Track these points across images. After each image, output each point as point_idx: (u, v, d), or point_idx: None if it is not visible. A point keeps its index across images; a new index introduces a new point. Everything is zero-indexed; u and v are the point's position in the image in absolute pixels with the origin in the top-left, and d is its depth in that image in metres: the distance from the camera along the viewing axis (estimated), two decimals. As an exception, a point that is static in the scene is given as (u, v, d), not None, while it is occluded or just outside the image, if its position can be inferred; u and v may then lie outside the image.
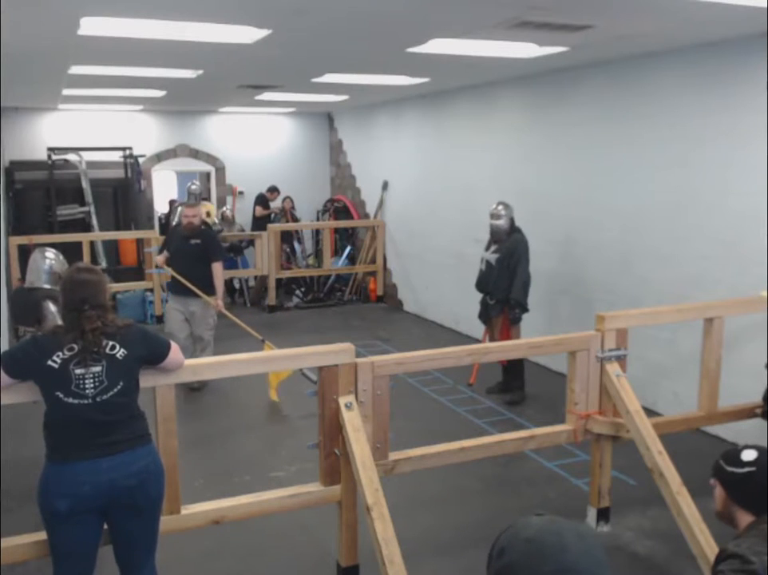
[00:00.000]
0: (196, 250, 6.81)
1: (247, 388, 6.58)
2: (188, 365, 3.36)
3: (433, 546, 4.13)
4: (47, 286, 4.93)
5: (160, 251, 7.22)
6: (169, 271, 6.86)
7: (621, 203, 6.44)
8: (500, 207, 6.43)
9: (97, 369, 2.87)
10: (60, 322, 4.78)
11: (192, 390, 6.65)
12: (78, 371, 2.85)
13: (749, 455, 2.41)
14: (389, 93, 9.18)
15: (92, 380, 2.86)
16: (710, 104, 5.54)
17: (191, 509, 3.47)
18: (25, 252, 9.24)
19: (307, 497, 3.68)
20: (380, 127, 10.85)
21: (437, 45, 5.43)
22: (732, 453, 2.47)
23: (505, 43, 5.40)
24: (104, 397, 2.88)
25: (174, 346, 3.19)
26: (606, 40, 5.31)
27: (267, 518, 3.91)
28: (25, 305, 4.93)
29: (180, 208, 8.28)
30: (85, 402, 2.85)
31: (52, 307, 4.81)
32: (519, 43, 5.42)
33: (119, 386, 2.91)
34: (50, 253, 5.13)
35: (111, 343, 2.92)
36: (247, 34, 4.94)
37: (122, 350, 2.93)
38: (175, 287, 6.93)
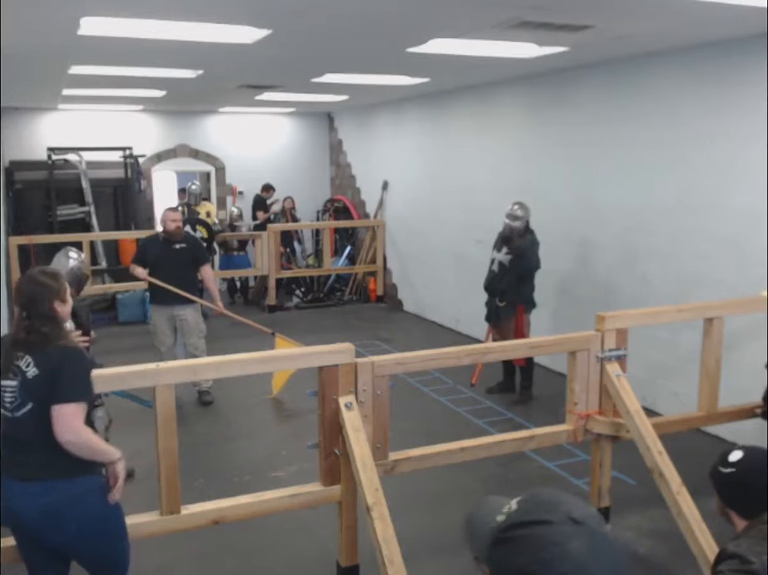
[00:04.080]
0: (183, 255, 6.51)
1: (247, 388, 6.57)
2: (188, 365, 3.35)
3: (433, 546, 4.13)
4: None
5: (136, 262, 6.61)
6: (156, 282, 6.40)
7: (621, 203, 6.44)
8: (517, 207, 6.38)
9: (14, 383, 2.71)
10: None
11: (204, 404, 6.50)
12: (3, 382, 2.73)
13: (734, 456, 2.37)
14: (389, 93, 9.18)
15: (9, 394, 2.71)
16: (710, 104, 5.54)
17: (191, 509, 3.47)
18: (25, 252, 9.27)
19: (307, 497, 3.67)
20: (380, 127, 10.85)
21: (437, 45, 5.43)
22: (724, 452, 2.43)
23: (505, 43, 5.40)
24: (17, 414, 2.71)
25: (75, 408, 2.69)
26: (606, 40, 5.31)
27: (267, 518, 3.91)
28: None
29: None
30: (8, 415, 2.72)
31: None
32: (519, 43, 5.42)
33: (28, 407, 2.69)
34: (74, 253, 5.12)
35: (29, 358, 2.71)
36: (247, 34, 4.94)
37: (35, 369, 2.69)
38: (160, 297, 6.47)
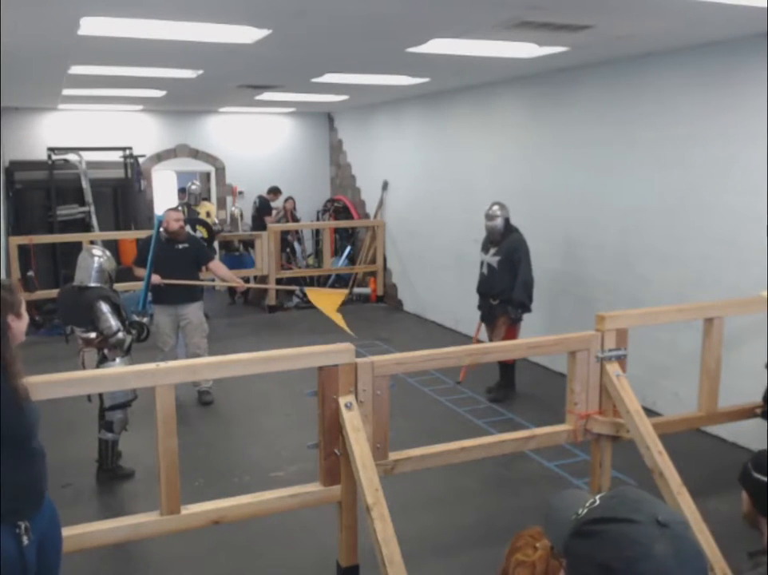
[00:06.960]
0: (186, 254, 6.55)
1: (247, 388, 6.57)
2: (188, 365, 3.36)
3: (433, 546, 4.13)
4: (97, 284, 4.93)
5: (137, 263, 6.60)
6: (160, 282, 6.38)
7: (621, 203, 6.44)
8: (496, 207, 6.42)
9: None
10: (113, 321, 4.79)
11: (204, 404, 6.52)
12: None
13: None
14: (389, 93, 9.18)
15: None
16: (710, 104, 5.54)
17: (191, 509, 3.47)
18: (25, 252, 9.27)
19: (307, 497, 3.68)
20: (380, 127, 10.85)
21: (437, 45, 5.43)
22: (760, 458, 2.32)
23: (505, 43, 5.40)
24: None
25: None
26: (606, 40, 5.31)
27: (267, 518, 3.91)
28: (76, 305, 4.91)
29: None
30: None
31: (104, 306, 4.80)
32: (519, 43, 5.42)
33: None
34: (98, 251, 5.13)
35: None
36: (247, 34, 4.94)
37: None
38: (163, 297, 6.47)
